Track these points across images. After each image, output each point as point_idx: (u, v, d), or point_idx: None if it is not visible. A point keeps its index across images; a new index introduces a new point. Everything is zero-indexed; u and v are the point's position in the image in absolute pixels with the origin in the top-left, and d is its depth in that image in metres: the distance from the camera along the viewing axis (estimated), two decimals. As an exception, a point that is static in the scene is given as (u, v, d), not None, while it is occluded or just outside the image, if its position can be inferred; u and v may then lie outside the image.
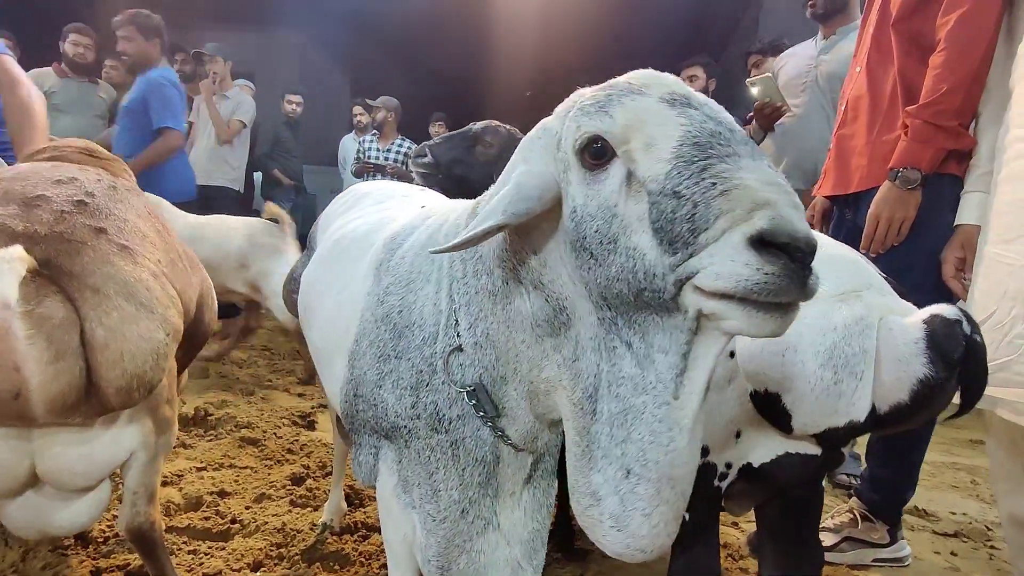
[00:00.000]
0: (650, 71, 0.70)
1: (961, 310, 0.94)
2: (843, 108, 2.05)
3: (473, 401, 0.85)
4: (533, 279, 0.75)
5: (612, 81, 0.71)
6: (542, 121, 0.78)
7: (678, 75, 3.35)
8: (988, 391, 1.21)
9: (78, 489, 1.09)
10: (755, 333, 0.59)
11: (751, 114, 2.83)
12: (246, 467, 2.19)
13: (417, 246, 0.97)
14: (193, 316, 1.27)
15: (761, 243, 0.55)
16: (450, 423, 0.88)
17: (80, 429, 1.03)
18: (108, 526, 1.68)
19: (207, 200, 5.10)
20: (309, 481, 2.10)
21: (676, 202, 0.58)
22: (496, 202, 0.70)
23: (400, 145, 5.32)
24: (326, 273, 1.23)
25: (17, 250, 0.86)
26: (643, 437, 0.67)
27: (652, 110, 0.64)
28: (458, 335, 0.85)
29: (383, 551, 1.64)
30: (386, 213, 1.24)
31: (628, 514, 0.69)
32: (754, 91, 2.60)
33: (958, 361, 0.91)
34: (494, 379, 0.84)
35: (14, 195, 1.00)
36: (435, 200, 1.26)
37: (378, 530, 1.77)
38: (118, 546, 1.60)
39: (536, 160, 0.72)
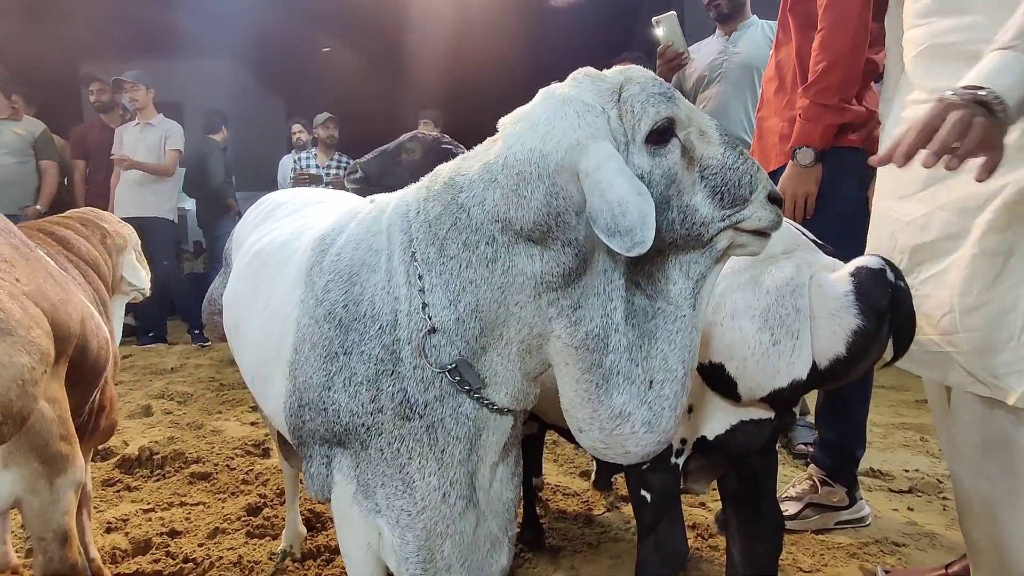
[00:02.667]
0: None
1: (884, 259, 0.97)
2: (761, 92, 2.15)
3: (457, 378, 0.86)
4: (568, 237, 0.80)
5: (640, 69, 0.86)
6: (560, 94, 0.83)
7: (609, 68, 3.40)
8: None
9: None
10: (759, 252, 0.88)
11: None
12: (197, 503, 2.08)
13: (354, 240, 0.96)
14: (77, 342, 1.17)
15: (770, 198, 0.85)
16: (425, 407, 0.88)
17: None
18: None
19: (141, 232, 4.91)
20: (266, 510, 2.01)
21: (732, 173, 0.82)
22: (621, 187, 0.75)
23: (339, 160, 5.25)
24: (248, 290, 1.18)
25: None
26: (663, 349, 0.82)
27: (693, 107, 0.85)
28: (429, 317, 0.86)
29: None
30: (303, 221, 1.21)
31: (658, 415, 0.82)
32: (659, 32, 2.66)
33: (887, 308, 0.93)
34: (474, 351, 0.87)
35: None
36: (354, 200, 1.23)
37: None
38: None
39: (596, 136, 0.79)
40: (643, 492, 1.22)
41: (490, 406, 0.89)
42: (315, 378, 0.93)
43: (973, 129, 0.86)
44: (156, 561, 1.68)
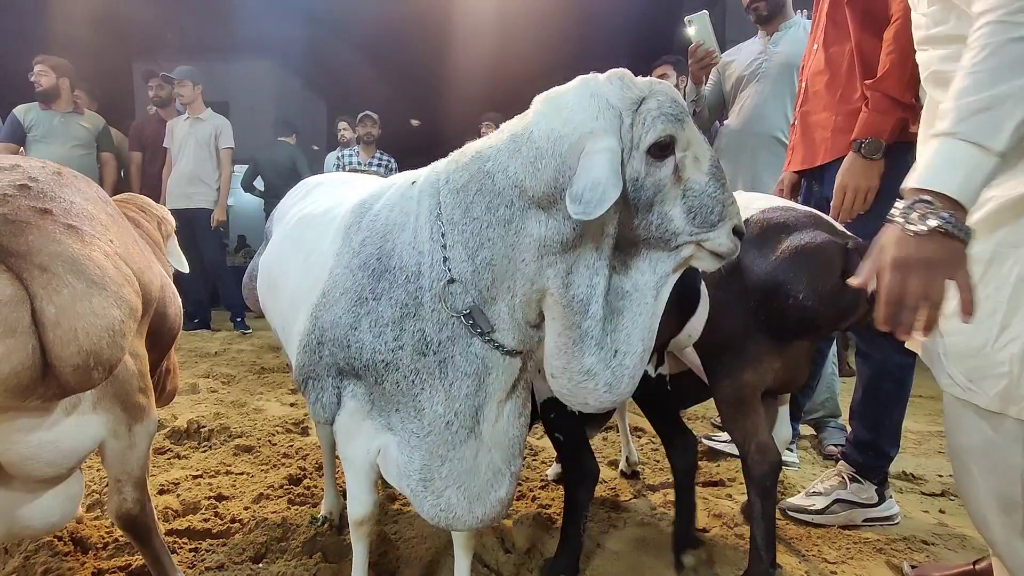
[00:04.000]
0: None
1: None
2: (803, 86, 2.15)
3: (470, 322, 1.02)
4: (568, 211, 0.92)
5: (667, 87, 0.99)
6: (592, 88, 0.97)
7: (650, 73, 3.48)
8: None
9: (45, 479, 1.07)
10: (711, 269, 1.05)
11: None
12: (242, 473, 2.20)
13: (390, 204, 1.13)
14: (156, 306, 1.28)
15: (734, 231, 1.01)
16: (439, 345, 1.04)
17: (40, 414, 1.01)
18: (108, 531, 1.68)
19: (187, 223, 5.13)
20: (307, 480, 2.11)
21: (709, 200, 0.98)
22: (603, 171, 0.90)
23: (380, 157, 5.38)
24: (290, 248, 1.35)
25: None
26: (628, 327, 0.99)
27: (697, 135, 0.99)
28: (449, 269, 1.02)
29: (382, 541, 1.67)
30: (341, 193, 1.38)
31: (618, 380, 0.99)
32: (690, 31, 2.74)
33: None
34: (486, 300, 1.03)
35: None
36: (384, 180, 1.40)
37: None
38: (118, 551, 1.61)
39: (608, 132, 0.93)
40: (556, 435, 1.54)
41: (500, 348, 1.04)
42: (344, 319, 1.08)
43: (935, 291, 0.86)
44: (206, 520, 1.79)
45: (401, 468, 1.10)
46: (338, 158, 5.46)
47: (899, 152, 1.74)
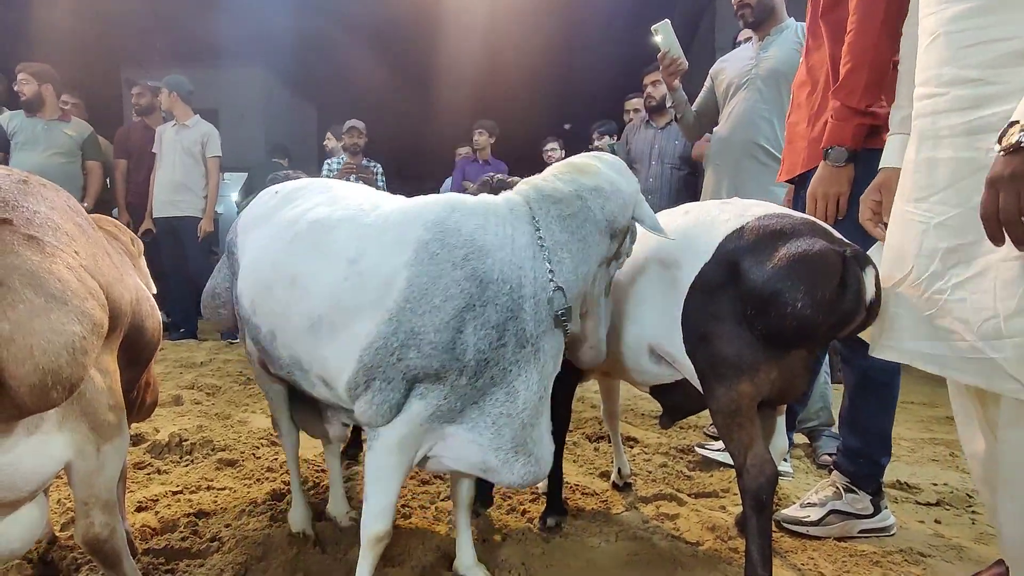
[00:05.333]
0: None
1: None
2: (792, 97, 2.16)
3: (563, 318, 1.31)
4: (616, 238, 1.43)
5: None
6: (623, 167, 1.49)
7: (641, 82, 3.51)
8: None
9: (4, 504, 1.01)
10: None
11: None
12: (224, 488, 2.13)
13: (480, 228, 1.30)
14: (132, 320, 1.22)
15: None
16: (536, 338, 1.30)
17: None
18: (81, 552, 1.62)
19: (173, 231, 5.05)
20: (291, 496, 2.05)
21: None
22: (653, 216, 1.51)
23: (367, 165, 5.34)
24: (311, 250, 1.38)
25: None
26: (602, 317, 1.55)
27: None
28: (554, 280, 1.30)
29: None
30: (359, 200, 1.47)
31: (603, 342, 1.59)
32: (657, 39, 2.83)
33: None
34: (573, 300, 1.35)
35: None
36: (367, 190, 1.59)
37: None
38: (91, 572, 1.54)
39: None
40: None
41: (566, 333, 1.38)
42: (449, 323, 1.22)
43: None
44: (184, 539, 1.72)
45: (487, 445, 1.30)
46: (326, 164, 5.43)
47: (869, 159, 1.74)
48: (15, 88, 4.51)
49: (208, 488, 2.13)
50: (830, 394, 2.70)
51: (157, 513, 1.90)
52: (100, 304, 0.99)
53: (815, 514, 1.89)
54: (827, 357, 2.64)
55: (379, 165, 5.36)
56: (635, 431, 3.05)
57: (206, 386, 3.59)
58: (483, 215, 1.34)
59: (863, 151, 1.76)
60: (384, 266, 1.27)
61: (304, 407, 1.78)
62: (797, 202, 2.14)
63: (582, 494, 2.17)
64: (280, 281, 1.42)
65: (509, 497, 2.12)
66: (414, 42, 9.31)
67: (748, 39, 3.11)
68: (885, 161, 1.55)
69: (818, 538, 1.86)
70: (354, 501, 1.97)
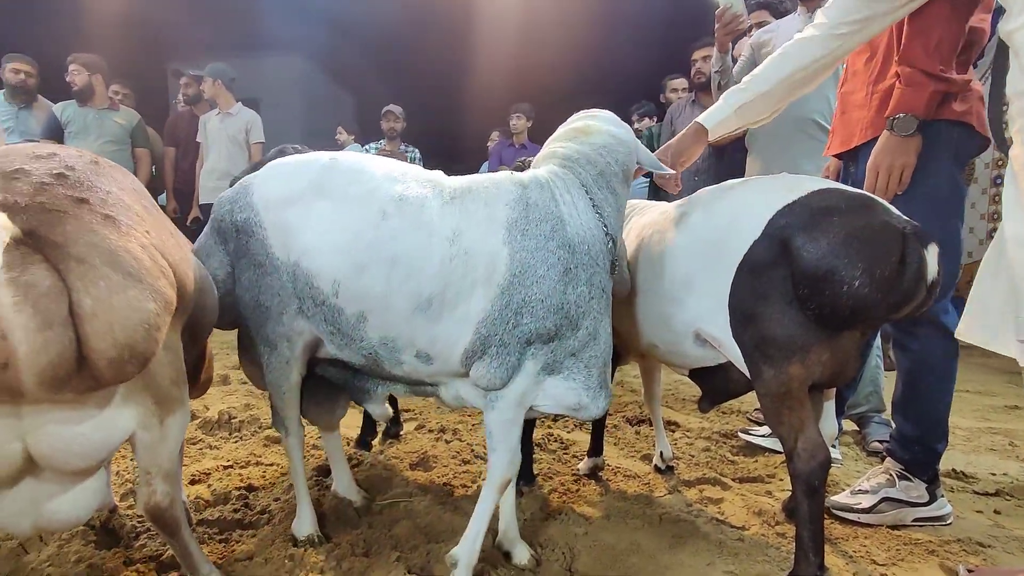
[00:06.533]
0: None
1: None
2: (844, 67, 2.05)
3: (616, 264, 1.57)
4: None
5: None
6: (620, 121, 1.71)
7: (690, 59, 3.41)
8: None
9: (75, 472, 1.06)
10: None
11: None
12: (272, 464, 2.19)
13: (544, 200, 1.48)
14: (193, 297, 1.25)
15: None
16: (606, 286, 1.51)
17: (73, 406, 1.00)
18: (140, 521, 1.69)
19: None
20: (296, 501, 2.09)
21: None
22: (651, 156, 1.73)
23: (405, 149, 5.37)
24: (404, 231, 1.42)
25: (1, 218, 0.86)
26: None
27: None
28: (608, 234, 1.52)
29: (414, 532, 1.65)
30: (412, 173, 1.54)
31: None
32: None
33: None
34: (619, 248, 1.61)
35: None
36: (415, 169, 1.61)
37: (393, 516, 1.77)
38: (150, 540, 1.61)
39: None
40: None
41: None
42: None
43: None
44: (236, 511, 1.78)
45: (580, 387, 1.47)
46: (365, 150, 5.47)
47: (935, 130, 1.67)
48: (67, 78, 4.66)
49: (257, 463, 2.19)
50: (881, 379, 2.62)
51: (210, 486, 1.97)
52: (170, 282, 1.03)
53: (867, 501, 1.84)
54: (877, 340, 2.55)
55: (416, 150, 5.38)
56: (677, 415, 3.01)
57: (252, 367, 3.69)
58: (547, 188, 1.50)
59: (930, 121, 1.66)
60: (484, 245, 1.41)
61: (314, 397, 1.75)
62: (846, 178, 2.05)
63: (624, 476, 2.16)
64: (376, 262, 1.40)
65: (551, 477, 2.12)
66: (450, 27, 9.30)
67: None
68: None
69: (869, 526, 1.81)
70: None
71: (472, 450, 2.40)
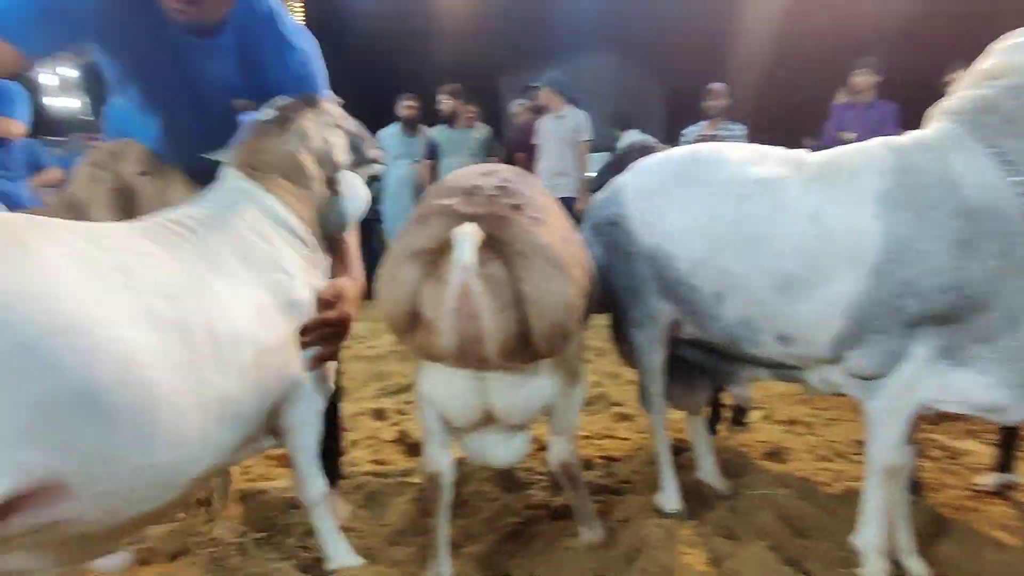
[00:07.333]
0: None
1: None
2: None
3: None
4: None
5: None
6: None
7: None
8: None
9: (519, 425, 1.36)
10: None
11: None
12: (626, 438, 2.38)
13: (927, 168, 1.30)
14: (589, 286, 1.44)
15: None
16: None
17: (518, 374, 1.27)
18: (527, 472, 2.00)
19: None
20: (687, 453, 2.16)
21: None
22: None
23: (729, 129, 5.19)
24: (763, 211, 1.42)
25: (471, 226, 1.11)
26: None
27: None
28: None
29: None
30: (773, 154, 1.52)
31: None
32: None
33: None
34: None
35: (456, 188, 1.26)
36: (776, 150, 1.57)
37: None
38: (540, 490, 1.90)
39: None
40: None
41: None
42: (947, 263, 1.23)
43: None
44: (601, 477, 2.01)
45: (998, 382, 1.25)
46: (681, 136, 5.44)
47: None
48: (438, 107, 5.72)
49: (611, 437, 2.40)
50: None
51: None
52: (584, 272, 1.25)
53: None
54: None
55: (744, 127, 5.13)
56: None
57: (592, 348, 4.02)
58: (932, 149, 1.32)
59: None
60: (850, 221, 1.32)
61: (677, 380, 1.82)
62: None
63: None
64: (735, 242, 1.46)
65: (939, 490, 1.84)
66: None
67: None
68: None
69: None
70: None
71: (831, 446, 2.23)
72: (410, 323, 1.19)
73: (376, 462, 2.22)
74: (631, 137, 6.02)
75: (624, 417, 2.61)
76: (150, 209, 1.36)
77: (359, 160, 1.61)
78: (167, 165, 1.58)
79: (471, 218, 1.15)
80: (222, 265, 1.15)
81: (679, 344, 1.74)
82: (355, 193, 1.53)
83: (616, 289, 1.73)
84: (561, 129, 5.48)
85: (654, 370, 1.73)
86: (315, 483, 1.37)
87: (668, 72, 13.45)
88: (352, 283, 1.46)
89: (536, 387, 1.30)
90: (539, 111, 5.90)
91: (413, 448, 2.35)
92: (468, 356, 1.17)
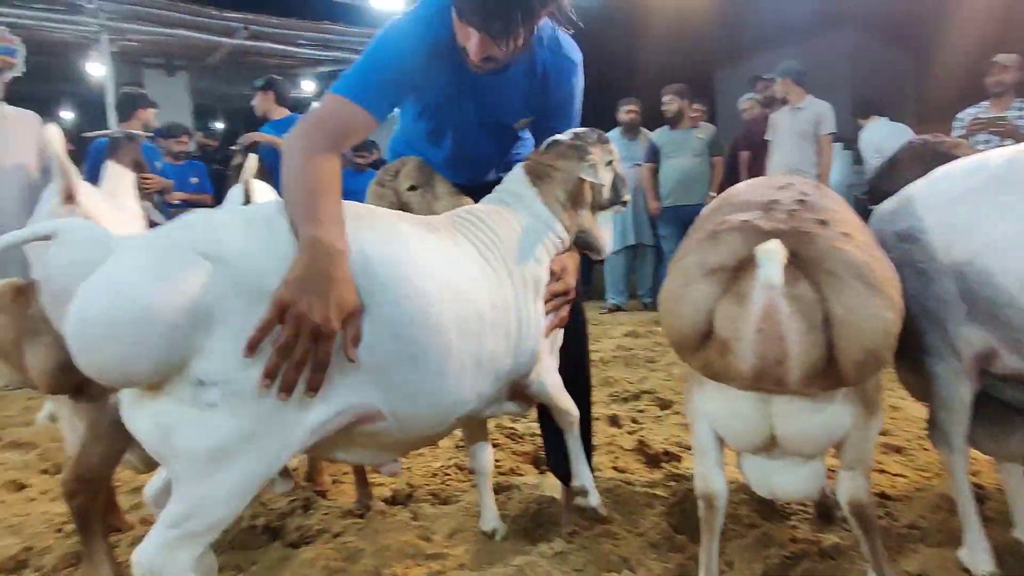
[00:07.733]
0: None
1: None
2: None
3: None
4: None
5: None
6: None
7: None
8: None
9: (806, 455, 1.25)
10: None
11: None
12: (899, 475, 2.09)
13: None
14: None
15: None
16: None
17: (810, 400, 1.17)
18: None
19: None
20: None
21: None
22: None
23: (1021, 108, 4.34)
24: None
25: (776, 243, 1.04)
26: None
27: None
28: None
29: None
30: None
31: None
32: None
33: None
34: None
35: (752, 203, 1.19)
36: None
37: None
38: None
39: None
40: None
41: None
42: None
43: None
44: (880, 518, 1.77)
45: None
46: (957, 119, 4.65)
47: None
48: (662, 108, 5.59)
49: (882, 471, 2.12)
50: None
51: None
52: (898, 292, 1.11)
53: None
54: None
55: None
56: None
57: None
58: None
59: None
60: None
61: (982, 420, 1.54)
62: None
63: None
64: None
65: None
66: None
67: None
68: None
69: None
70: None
71: None
72: (701, 342, 1.16)
73: (617, 469, 2.24)
74: (879, 127, 5.32)
75: (894, 449, 2.30)
76: None
77: (614, 200, 1.72)
78: (434, 179, 1.80)
79: (774, 234, 1.09)
80: (499, 250, 1.43)
81: (989, 379, 1.47)
82: (610, 231, 1.72)
83: (908, 312, 1.52)
84: (798, 122, 5.03)
85: (957, 407, 1.49)
86: (571, 409, 1.62)
87: (921, 48, 11.64)
88: (571, 257, 1.63)
89: (829, 415, 1.19)
90: (770, 104, 5.49)
91: (652, 459, 2.33)
92: (766, 379, 1.10)
